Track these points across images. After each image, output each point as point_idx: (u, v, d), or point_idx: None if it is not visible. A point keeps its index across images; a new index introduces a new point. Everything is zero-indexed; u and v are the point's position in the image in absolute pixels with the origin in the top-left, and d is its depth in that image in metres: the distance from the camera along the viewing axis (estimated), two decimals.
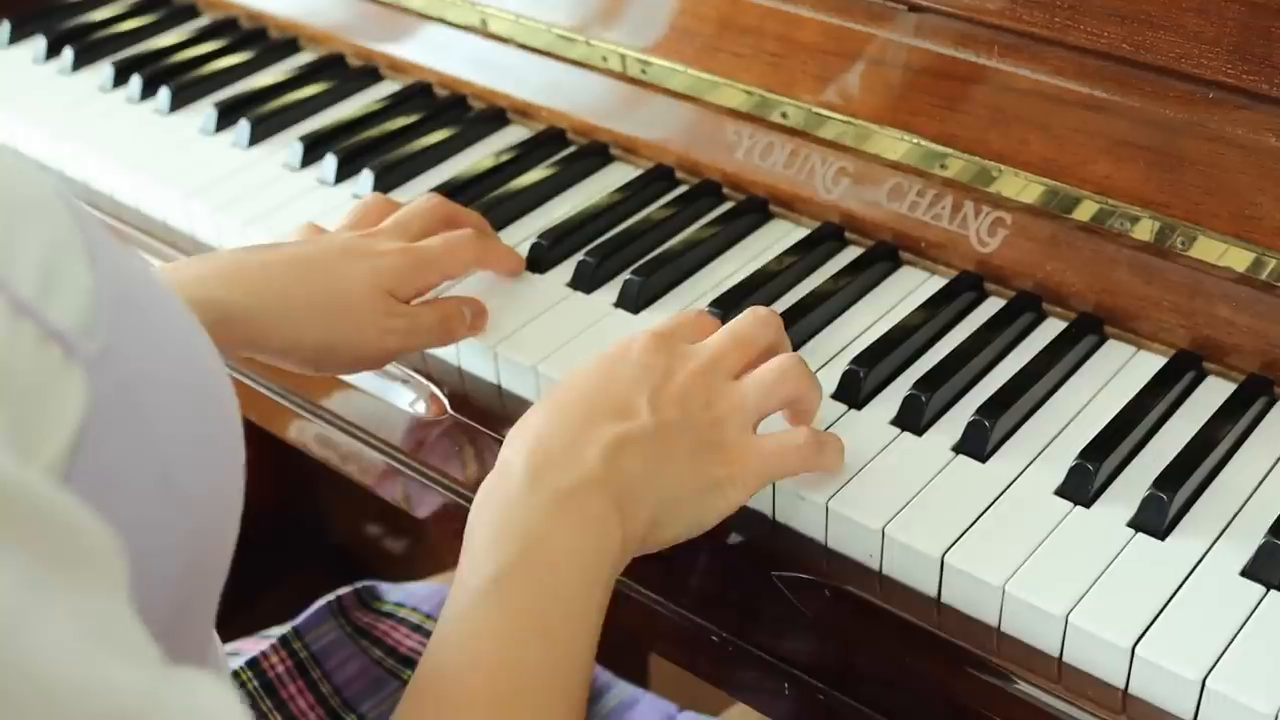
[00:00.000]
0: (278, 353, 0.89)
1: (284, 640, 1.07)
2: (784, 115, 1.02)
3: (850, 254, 1.01)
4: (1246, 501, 0.80)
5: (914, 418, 0.85)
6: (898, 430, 0.85)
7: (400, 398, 0.97)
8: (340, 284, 0.88)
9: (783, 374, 0.79)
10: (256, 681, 1.03)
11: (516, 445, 0.74)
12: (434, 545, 1.86)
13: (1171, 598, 0.74)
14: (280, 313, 0.87)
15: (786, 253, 1.00)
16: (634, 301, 0.96)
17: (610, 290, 0.98)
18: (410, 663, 1.09)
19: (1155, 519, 0.77)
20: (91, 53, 1.32)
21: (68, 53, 1.32)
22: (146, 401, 0.50)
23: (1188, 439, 0.83)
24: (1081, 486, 0.80)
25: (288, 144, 1.17)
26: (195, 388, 0.55)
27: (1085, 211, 0.91)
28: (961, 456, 0.83)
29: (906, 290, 0.97)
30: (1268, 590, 0.74)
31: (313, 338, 0.88)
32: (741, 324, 0.81)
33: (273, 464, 1.11)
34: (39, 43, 1.34)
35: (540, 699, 0.65)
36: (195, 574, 0.54)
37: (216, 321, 0.84)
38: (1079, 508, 0.79)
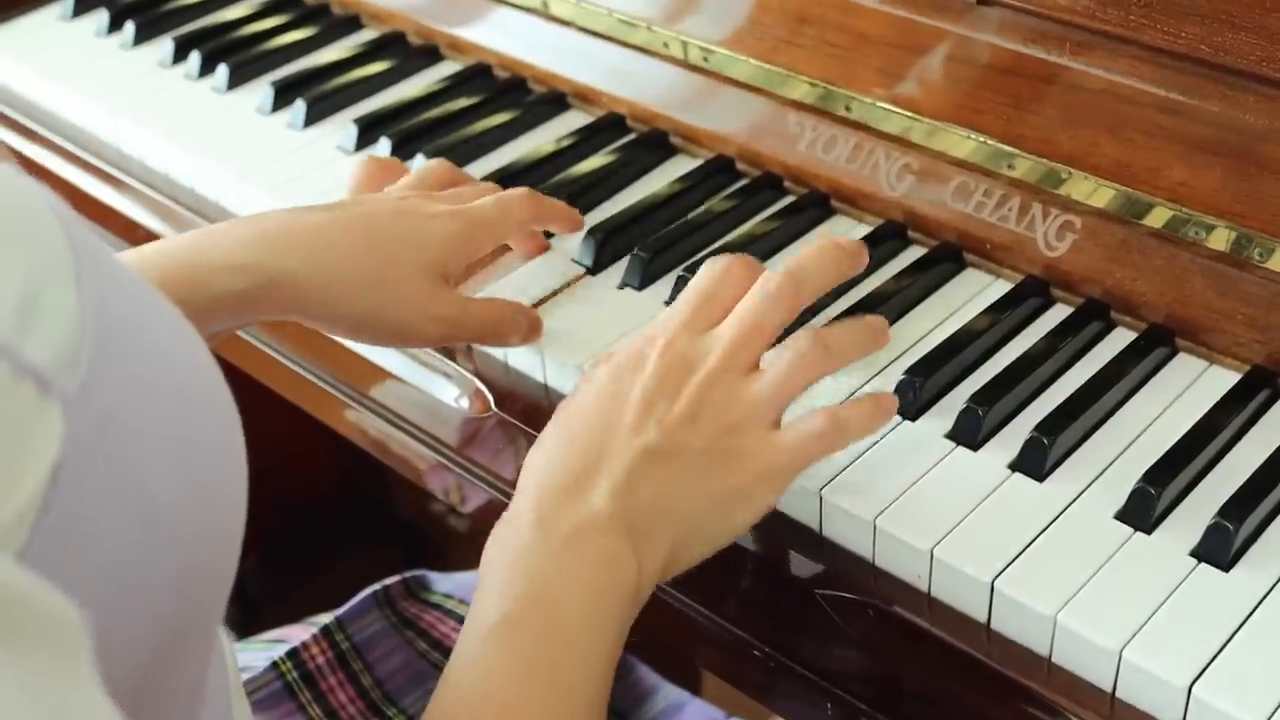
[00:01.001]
0: (320, 319, 0.87)
1: (326, 630, 1.05)
2: (848, 109, 0.99)
3: (913, 254, 0.97)
4: None
5: (970, 432, 0.82)
6: (952, 444, 0.82)
7: (445, 392, 0.95)
8: (390, 260, 0.86)
9: (799, 361, 0.75)
10: (296, 673, 1.02)
11: (524, 485, 0.72)
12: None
13: (1233, 635, 0.70)
14: (327, 283, 0.85)
15: None
16: None
17: (664, 286, 0.95)
18: None
19: (1220, 549, 0.74)
20: (153, 27, 1.31)
21: (129, 27, 1.30)
22: (130, 437, 0.47)
23: (1258, 463, 0.79)
24: (1143, 512, 0.76)
25: (343, 125, 1.15)
26: (190, 419, 0.52)
27: (1158, 218, 0.87)
28: (1018, 475, 0.80)
29: (970, 294, 0.94)
30: None
31: (358, 310, 0.86)
32: (753, 308, 0.76)
33: (339, 441, 1.09)
34: (102, 16, 1.33)
35: None
36: (188, 610, 0.52)
37: (260, 286, 0.83)
38: (1139, 534, 0.76)
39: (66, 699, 0.39)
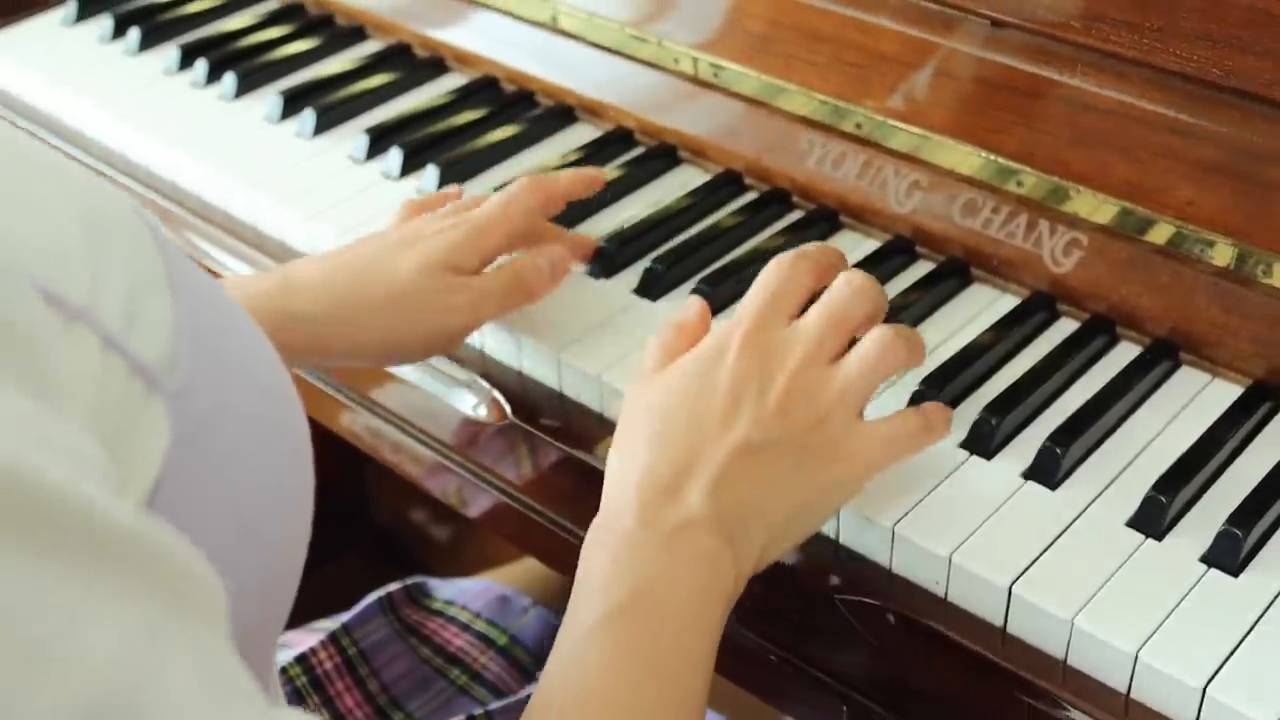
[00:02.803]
0: (342, 356, 0.88)
1: (333, 637, 1.07)
2: (858, 125, 1.01)
3: (921, 269, 0.99)
4: None
5: (984, 442, 0.84)
6: (967, 454, 0.84)
7: (462, 401, 0.96)
8: (393, 278, 0.87)
9: (884, 352, 0.76)
10: (305, 678, 1.03)
11: (624, 483, 0.72)
12: (480, 537, 1.86)
13: (1245, 637, 0.72)
14: (341, 320, 0.86)
15: (856, 265, 0.98)
16: None
17: (676, 297, 0.97)
18: (458, 662, 1.09)
19: (1229, 556, 0.76)
20: (158, 34, 1.32)
21: (134, 33, 1.31)
22: (224, 438, 0.49)
23: (1264, 473, 0.81)
24: (1154, 519, 0.78)
25: (352, 135, 1.16)
26: (271, 421, 0.54)
27: (1162, 234, 0.89)
28: (1031, 483, 0.82)
29: (978, 309, 0.96)
30: None
31: (376, 338, 0.87)
32: (838, 300, 0.77)
33: (318, 444, 1.10)
34: (105, 21, 1.34)
35: None
36: (263, 608, 0.53)
37: (277, 331, 0.84)
38: (1151, 540, 0.78)
39: (225, 665, 0.40)
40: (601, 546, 0.70)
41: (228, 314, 0.53)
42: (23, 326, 0.39)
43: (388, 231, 0.92)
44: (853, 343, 0.78)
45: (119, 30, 1.33)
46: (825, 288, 0.79)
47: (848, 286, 0.78)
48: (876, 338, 0.77)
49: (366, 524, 2.02)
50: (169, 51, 1.29)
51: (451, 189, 1.01)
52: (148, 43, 1.31)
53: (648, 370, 0.78)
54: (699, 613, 0.69)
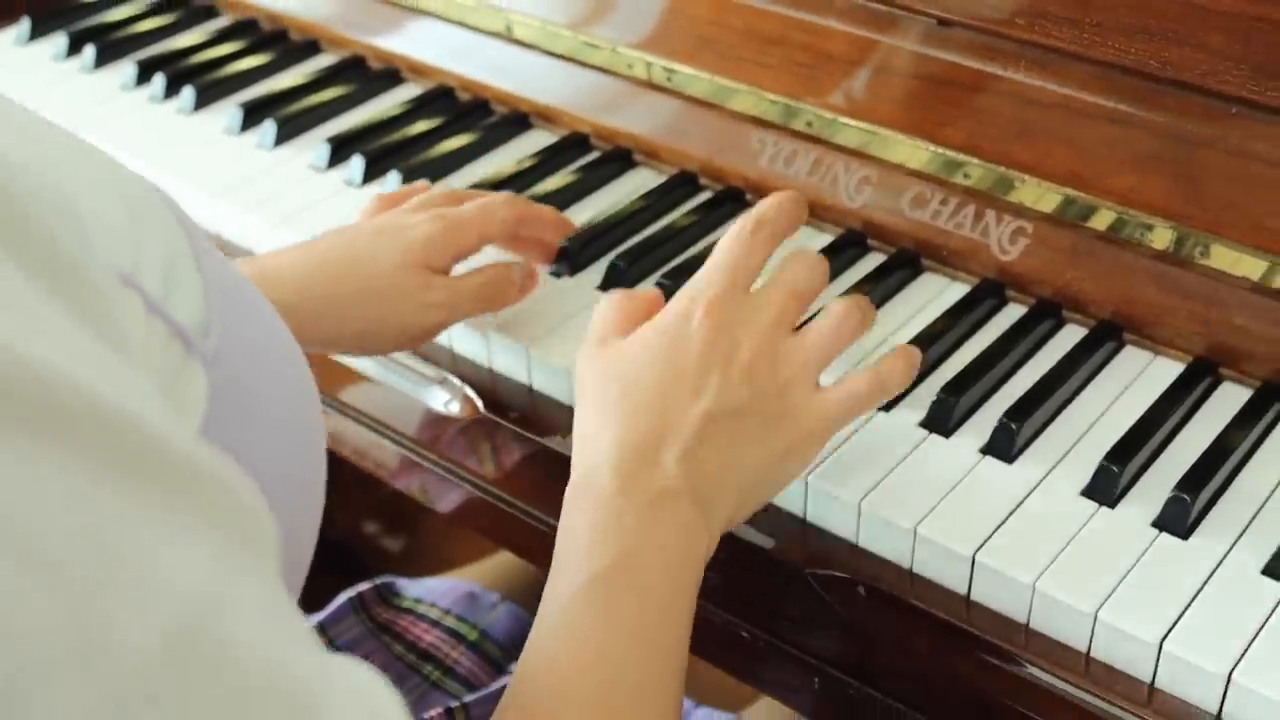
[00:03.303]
0: (320, 345, 0.90)
1: None
2: (808, 124, 1.05)
3: (873, 260, 1.03)
4: (1265, 504, 0.82)
5: (942, 420, 0.88)
6: (926, 433, 0.88)
7: (433, 399, 0.99)
8: (373, 270, 0.90)
9: (841, 323, 0.80)
10: None
11: (599, 450, 0.74)
12: (433, 544, 1.88)
13: (1196, 595, 0.76)
14: (321, 311, 0.89)
15: None
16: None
17: None
18: (430, 658, 1.11)
19: (1179, 520, 0.80)
20: (112, 51, 1.34)
21: (89, 51, 1.33)
22: (251, 397, 0.52)
23: (1207, 443, 0.85)
24: (1107, 488, 0.82)
25: (312, 145, 1.19)
26: (287, 380, 0.57)
27: (1104, 220, 0.93)
28: (989, 458, 0.86)
29: (929, 297, 1.00)
30: None
31: (354, 328, 0.90)
32: (796, 274, 0.81)
33: None
34: (59, 40, 1.36)
35: (638, 694, 0.67)
36: (291, 569, 0.56)
37: None
38: (1104, 508, 0.82)
39: (284, 602, 0.43)
40: (581, 512, 0.72)
41: (242, 284, 0.56)
42: (99, 281, 0.42)
43: (361, 223, 0.94)
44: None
45: (74, 48, 1.35)
46: None
47: (800, 259, 0.82)
48: (835, 310, 0.81)
49: (320, 538, 2.03)
50: (125, 68, 1.31)
51: (420, 184, 1.04)
52: (103, 59, 1.33)
53: (598, 338, 0.81)
54: (678, 575, 0.71)
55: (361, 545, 2.01)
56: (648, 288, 1.00)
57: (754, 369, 0.77)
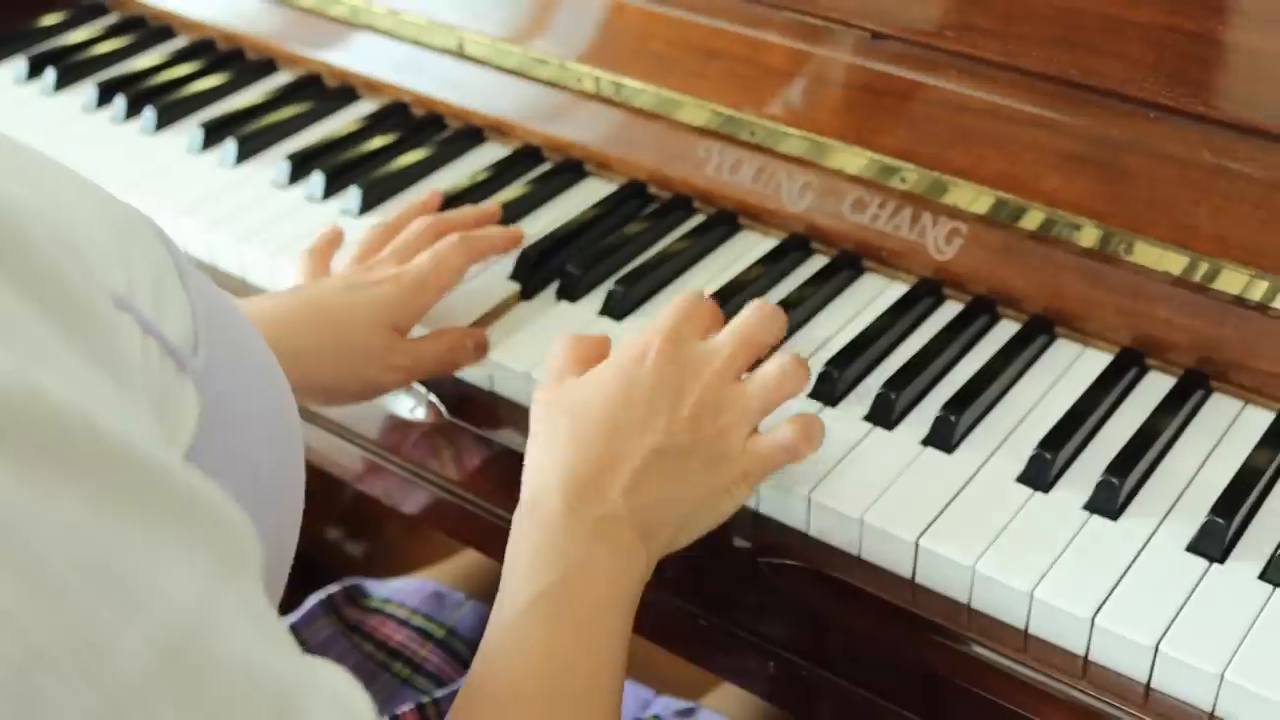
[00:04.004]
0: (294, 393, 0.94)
1: None
2: (751, 133, 1.09)
3: (816, 263, 1.08)
4: (1189, 484, 0.87)
5: (885, 414, 0.92)
6: (870, 426, 0.92)
7: (399, 405, 1.02)
8: (346, 326, 0.94)
9: (784, 376, 0.84)
10: None
11: (549, 477, 0.78)
12: (395, 549, 1.91)
13: (1125, 572, 0.81)
14: (293, 357, 0.92)
15: (756, 263, 1.07)
16: (618, 310, 1.03)
17: (595, 299, 1.05)
18: (399, 656, 1.15)
19: (1108, 502, 0.85)
20: (73, 74, 1.37)
21: (49, 74, 1.36)
22: (239, 409, 0.56)
23: (1134, 429, 0.90)
24: (1041, 474, 0.87)
25: (273, 162, 1.22)
26: (270, 392, 0.61)
27: (1034, 220, 0.98)
28: (930, 449, 0.90)
29: (870, 297, 1.04)
30: (1210, 564, 0.81)
31: (323, 378, 0.94)
32: (750, 323, 0.86)
33: None
34: (19, 64, 1.38)
35: (582, 700, 0.72)
36: (271, 575, 0.60)
37: None
38: (1039, 493, 0.87)
39: (266, 611, 0.46)
40: (528, 535, 0.77)
41: (223, 302, 0.60)
42: (101, 314, 0.46)
43: (333, 277, 0.99)
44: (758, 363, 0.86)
45: (34, 72, 1.38)
46: None
47: (758, 312, 0.87)
48: (779, 362, 0.85)
49: None
50: (86, 90, 1.34)
51: (409, 213, 1.07)
52: (64, 82, 1.36)
53: (553, 377, 0.85)
54: (619, 596, 0.76)
55: (323, 552, 2.04)
56: (601, 294, 1.04)
57: (699, 413, 0.81)
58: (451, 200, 1.15)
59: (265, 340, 0.90)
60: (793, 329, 1.01)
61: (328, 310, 0.94)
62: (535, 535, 0.76)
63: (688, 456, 0.81)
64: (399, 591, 1.22)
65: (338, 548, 2.02)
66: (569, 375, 0.85)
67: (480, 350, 1.01)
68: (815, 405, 0.94)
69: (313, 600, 1.17)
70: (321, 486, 1.09)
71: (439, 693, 1.08)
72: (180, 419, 0.51)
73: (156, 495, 0.43)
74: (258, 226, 1.14)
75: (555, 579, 0.74)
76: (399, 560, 1.84)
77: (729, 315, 0.99)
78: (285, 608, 1.16)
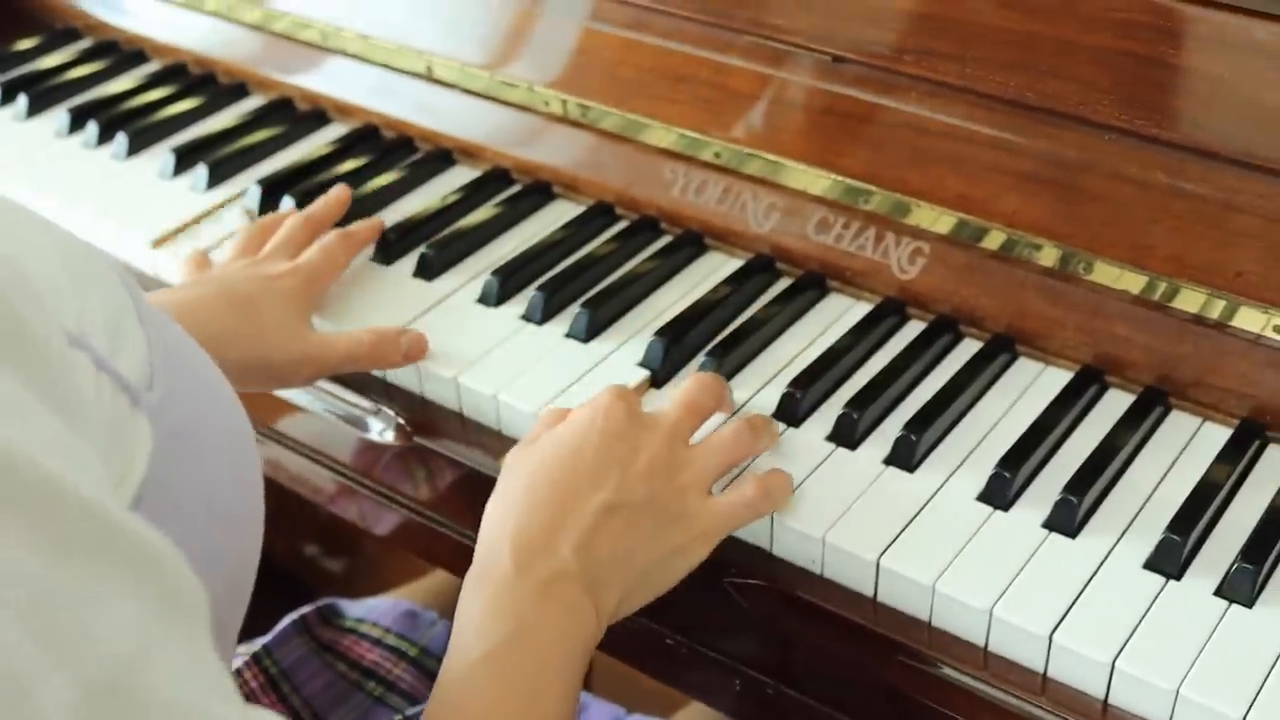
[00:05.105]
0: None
1: (256, 658, 1.13)
2: (716, 155, 1.10)
3: (783, 283, 1.09)
4: (1147, 501, 0.88)
5: (847, 434, 0.93)
6: (833, 445, 0.93)
7: (367, 428, 1.03)
8: (257, 311, 0.98)
9: (736, 439, 0.87)
10: None
11: (500, 535, 0.79)
12: (373, 565, 1.92)
13: (1083, 590, 0.82)
14: (210, 339, 0.94)
15: (722, 283, 1.08)
16: (584, 332, 1.04)
17: (562, 321, 1.05)
18: (372, 675, 1.16)
19: (1066, 520, 0.86)
20: (45, 99, 1.38)
21: (21, 99, 1.37)
22: (195, 440, 0.57)
23: (1094, 446, 0.91)
24: (1000, 493, 0.88)
25: (244, 186, 1.23)
26: (226, 422, 0.62)
27: (995, 240, 0.99)
28: (892, 468, 0.91)
29: (834, 316, 1.05)
30: (1167, 580, 0.83)
31: (239, 357, 0.95)
32: (692, 393, 0.89)
33: None
34: None
35: None
36: (232, 598, 0.61)
37: None
38: (999, 512, 0.88)
39: (208, 660, 0.47)
40: (478, 592, 0.78)
41: (181, 335, 0.61)
42: (56, 354, 0.47)
43: (226, 268, 1.04)
44: None
45: (6, 98, 1.38)
46: None
47: (698, 382, 0.90)
48: (732, 428, 0.88)
49: (264, 564, 2.06)
50: (59, 115, 1.34)
51: (274, 217, 1.12)
52: (36, 108, 1.37)
53: (529, 438, 0.87)
54: (567, 653, 0.76)
55: (303, 568, 2.05)
56: (569, 315, 1.05)
57: (652, 471, 0.83)
58: (421, 223, 1.16)
59: (183, 326, 0.93)
60: (760, 348, 1.03)
61: (239, 296, 0.98)
62: (483, 595, 0.77)
63: (640, 514, 0.81)
64: (372, 611, 1.23)
65: (317, 563, 2.03)
66: (541, 436, 0.86)
67: (414, 349, 1.02)
68: (779, 426, 0.95)
69: (286, 621, 1.18)
70: (300, 503, 1.10)
71: (411, 711, 1.09)
72: (133, 454, 0.52)
73: (99, 540, 0.44)
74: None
75: (501, 641, 0.74)
76: (379, 575, 1.85)
77: (698, 335, 1.02)
78: (259, 629, 1.17)
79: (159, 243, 1.17)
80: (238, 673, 1.11)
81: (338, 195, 1.15)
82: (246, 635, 1.17)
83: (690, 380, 0.91)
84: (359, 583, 1.98)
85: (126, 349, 0.54)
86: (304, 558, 2.03)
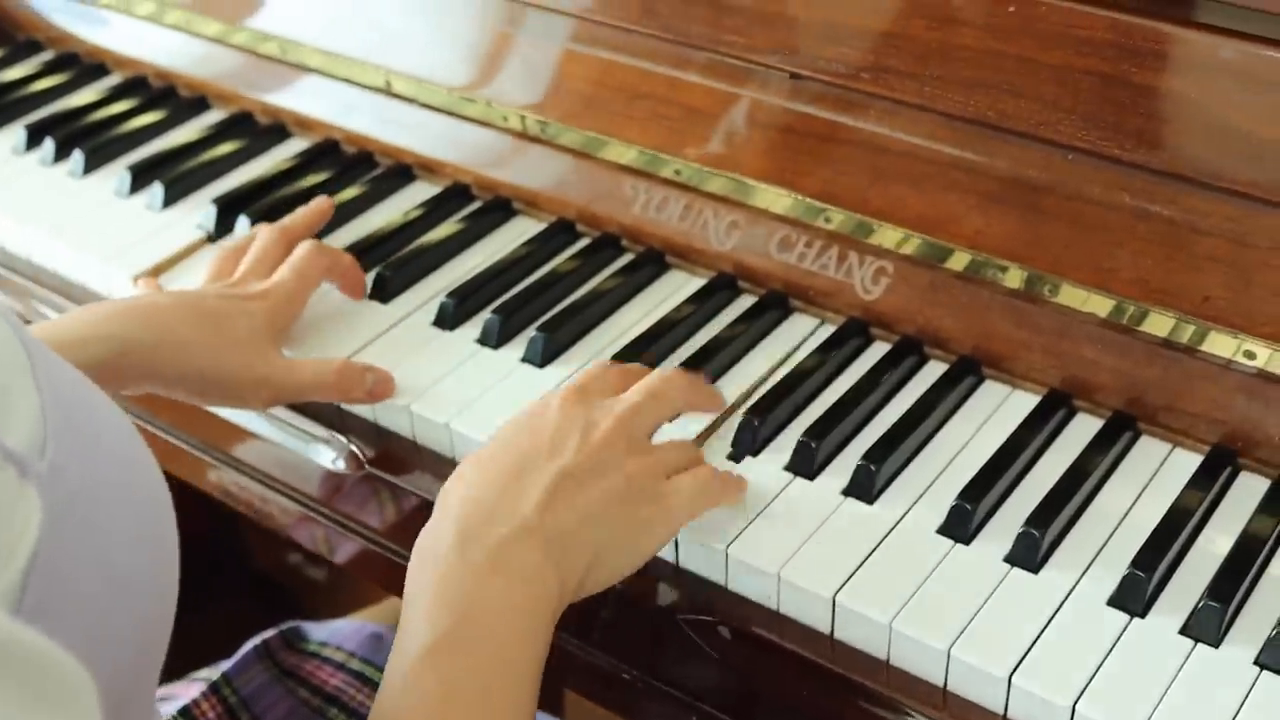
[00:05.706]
0: (170, 382, 0.95)
1: (214, 687, 1.11)
2: (677, 172, 1.08)
3: (745, 302, 1.06)
4: (1114, 532, 0.86)
5: (806, 464, 0.91)
6: (791, 476, 0.91)
7: (321, 456, 1.01)
8: (223, 327, 0.96)
9: (706, 485, 0.84)
10: None
11: (446, 506, 0.77)
12: (349, 577, 1.90)
13: (1044, 629, 0.80)
14: (174, 344, 0.94)
15: (684, 303, 1.06)
16: (539, 357, 1.01)
17: (518, 345, 1.03)
18: (335, 701, 1.13)
19: (1029, 555, 0.84)
20: (3, 115, 1.35)
21: None
22: (92, 507, 0.54)
23: (1059, 474, 0.89)
24: (961, 526, 0.86)
25: (201, 205, 1.21)
26: (132, 483, 0.59)
27: (959, 261, 0.97)
28: (850, 500, 0.89)
29: (798, 338, 1.03)
30: (1131, 618, 0.80)
31: (200, 367, 0.94)
32: (656, 379, 0.87)
33: (193, 499, 1.15)
34: None
35: None
36: (142, 655, 0.59)
37: (117, 355, 0.92)
38: (959, 545, 0.85)
39: None
40: (423, 569, 0.75)
41: (85, 391, 0.59)
42: None
43: (200, 289, 1.02)
44: None
45: None
46: None
47: (661, 375, 0.88)
48: (701, 472, 0.85)
49: (246, 570, 2.05)
50: (16, 132, 1.32)
51: (241, 240, 1.09)
52: None
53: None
54: (523, 630, 0.73)
55: (286, 576, 2.03)
56: (527, 337, 1.03)
57: (610, 442, 0.81)
58: (381, 240, 1.14)
59: (145, 328, 0.92)
60: (721, 370, 1.01)
61: (207, 309, 0.97)
62: (427, 576, 0.74)
63: (605, 477, 0.79)
64: (336, 634, 1.21)
65: (300, 571, 2.01)
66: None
67: (380, 387, 1.00)
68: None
69: (249, 646, 1.16)
70: None
71: None
72: (21, 528, 0.49)
73: None
74: (180, 273, 1.13)
75: (447, 627, 0.71)
76: (361, 585, 1.84)
77: (660, 354, 1.00)
78: (244, 636, 1.15)
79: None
80: (195, 703, 1.09)
81: (318, 206, 1.13)
82: (227, 644, 1.16)
83: (655, 372, 0.89)
84: (342, 590, 1.97)
85: (18, 413, 0.52)
86: (287, 566, 2.02)
